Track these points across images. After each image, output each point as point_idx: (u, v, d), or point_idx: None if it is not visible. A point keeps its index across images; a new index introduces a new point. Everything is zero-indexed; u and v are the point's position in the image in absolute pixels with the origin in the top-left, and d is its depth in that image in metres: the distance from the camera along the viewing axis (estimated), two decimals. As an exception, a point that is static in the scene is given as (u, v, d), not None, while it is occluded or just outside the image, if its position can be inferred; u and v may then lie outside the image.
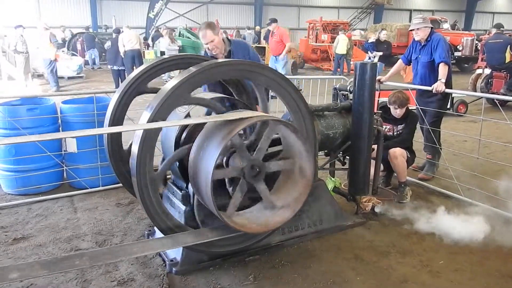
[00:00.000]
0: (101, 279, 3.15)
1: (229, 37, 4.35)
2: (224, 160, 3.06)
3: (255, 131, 3.08)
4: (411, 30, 5.33)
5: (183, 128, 3.36)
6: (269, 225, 3.09)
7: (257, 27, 23.54)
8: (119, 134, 3.54)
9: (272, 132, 2.91)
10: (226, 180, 3.05)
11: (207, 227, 3.12)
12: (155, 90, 3.37)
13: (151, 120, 2.77)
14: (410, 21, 27.03)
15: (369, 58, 12.92)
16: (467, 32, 22.57)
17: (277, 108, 5.28)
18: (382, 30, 13.29)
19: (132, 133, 2.86)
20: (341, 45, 16.47)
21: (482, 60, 11.42)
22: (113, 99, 3.51)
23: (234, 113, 3.00)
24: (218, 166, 2.96)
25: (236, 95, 3.75)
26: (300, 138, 2.97)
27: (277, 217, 3.07)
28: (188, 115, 3.47)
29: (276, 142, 3.16)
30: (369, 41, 13.53)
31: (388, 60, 13.74)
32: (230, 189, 3.03)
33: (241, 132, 3.03)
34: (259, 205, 3.10)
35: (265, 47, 17.75)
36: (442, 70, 5.00)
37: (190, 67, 2.98)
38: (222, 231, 3.03)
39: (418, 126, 5.10)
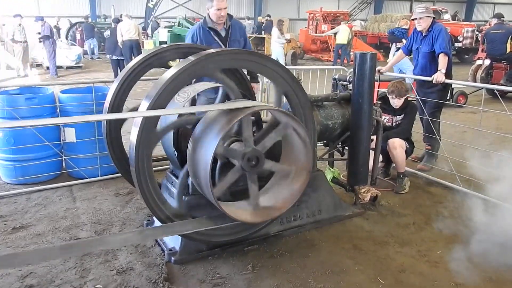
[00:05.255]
0: (100, 268, 3.16)
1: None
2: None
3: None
4: (413, 20, 5.29)
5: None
6: (268, 215, 3.11)
7: (259, 17, 23.40)
8: (118, 124, 3.53)
9: (284, 130, 2.92)
10: (217, 167, 3.03)
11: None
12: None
13: (149, 109, 2.76)
14: (410, 11, 26.91)
15: (398, 49, 10.11)
16: (467, 22, 22.46)
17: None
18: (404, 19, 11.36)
19: (130, 124, 2.85)
20: (342, 35, 16.43)
21: (482, 51, 11.37)
22: (112, 89, 3.50)
23: (235, 102, 2.99)
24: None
25: (236, 85, 3.73)
26: (299, 127, 2.97)
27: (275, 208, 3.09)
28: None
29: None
30: (402, 27, 11.25)
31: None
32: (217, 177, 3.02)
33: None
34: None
35: (264, 37, 17.71)
36: (442, 60, 4.97)
37: (189, 56, 2.97)
38: (219, 221, 3.04)
39: (417, 117, 5.09)
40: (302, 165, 3.11)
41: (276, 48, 14.34)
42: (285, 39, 15.03)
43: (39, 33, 12.89)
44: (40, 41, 13.03)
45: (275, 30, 14.56)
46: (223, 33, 4.53)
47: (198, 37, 4.45)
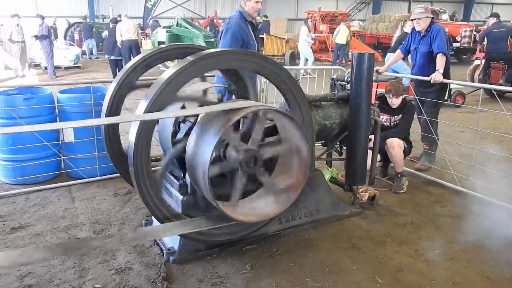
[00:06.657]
0: (99, 267, 3.17)
1: None
2: (221, 152, 3.07)
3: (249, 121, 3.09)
4: (412, 20, 5.31)
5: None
6: (266, 215, 3.11)
7: (258, 18, 23.39)
8: (116, 124, 3.53)
9: (263, 121, 2.93)
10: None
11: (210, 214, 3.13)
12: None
13: (147, 110, 2.76)
14: (409, 11, 26.92)
15: None
16: (465, 23, 22.48)
17: (275, 98, 5.28)
18: (405, 22, 10.45)
19: (129, 123, 2.86)
20: (341, 35, 16.47)
21: (480, 51, 11.37)
22: (110, 89, 3.50)
23: (231, 103, 3.00)
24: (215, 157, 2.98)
25: (234, 86, 3.74)
26: (297, 127, 2.98)
27: (274, 207, 3.09)
28: (183, 107, 3.47)
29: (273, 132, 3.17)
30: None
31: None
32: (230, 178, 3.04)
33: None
34: (256, 195, 3.11)
35: (263, 38, 17.71)
36: (440, 60, 4.99)
37: (188, 57, 2.97)
38: (218, 221, 3.04)
39: (415, 116, 5.10)
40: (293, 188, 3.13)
41: (304, 47, 14.19)
42: (312, 38, 14.92)
43: (36, 36, 12.90)
44: (36, 39, 13.03)
45: (304, 28, 14.46)
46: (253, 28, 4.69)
47: (244, 30, 4.52)
